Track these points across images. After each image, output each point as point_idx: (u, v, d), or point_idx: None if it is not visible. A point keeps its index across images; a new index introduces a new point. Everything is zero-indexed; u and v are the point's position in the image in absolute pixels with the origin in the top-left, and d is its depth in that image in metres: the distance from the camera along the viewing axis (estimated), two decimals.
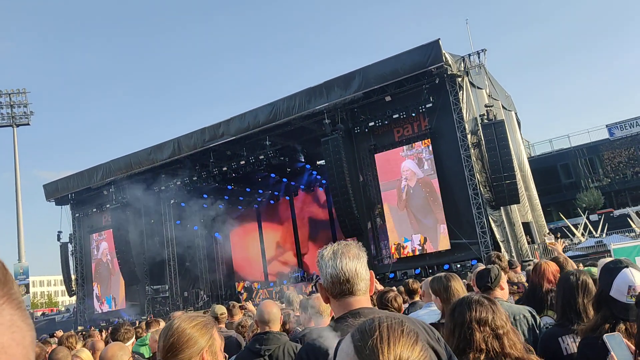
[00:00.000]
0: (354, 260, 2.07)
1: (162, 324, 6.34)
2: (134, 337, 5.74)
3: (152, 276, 32.70)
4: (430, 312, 4.44)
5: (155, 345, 4.73)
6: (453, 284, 3.94)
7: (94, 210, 33.88)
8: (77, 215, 35.07)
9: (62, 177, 34.70)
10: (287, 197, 37.92)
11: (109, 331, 6.21)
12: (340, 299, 2.08)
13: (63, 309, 61.38)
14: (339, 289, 2.06)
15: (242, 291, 34.85)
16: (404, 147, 24.75)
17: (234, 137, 27.06)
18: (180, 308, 29.33)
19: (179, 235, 34.21)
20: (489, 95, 26.32)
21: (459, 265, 22.05)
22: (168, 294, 32.82)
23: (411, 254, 24.22)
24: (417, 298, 5.97)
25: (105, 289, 33.65)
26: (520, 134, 33.07)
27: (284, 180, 35.12)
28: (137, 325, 9.89)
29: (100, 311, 33.40)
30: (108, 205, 32.30)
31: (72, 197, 34.40)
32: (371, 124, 24.81)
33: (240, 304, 9.38)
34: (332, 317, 2.26)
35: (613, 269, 2.89)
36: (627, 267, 2.85)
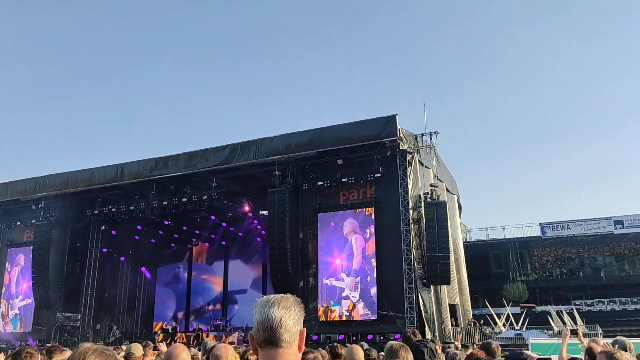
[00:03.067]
0: (282, 310, 2.05)
1: (67, 353, 5.96)
2: None
3: (65, 302, 30.86)
4: None
5: None
6: (404, 354, 3.89)
7: (18, 223, 32.00)
8: None
9: None
10: (224, 242, 37.24)
11: (9, 354, 5.76)
12: (265, 349, 2.06)
13: None
14: (263, 336, 2.04)
15: (159, 332, 33.36)
16: (348, 211, 25.04)
17: (180, 173, 26.65)
18: (90, 340, 27.64)
19: (103, 263, 32.76)
20: (435, 176, 27.29)
21: (382, 337, 21.98)
22: (79, 323, 30.95)
23: (337, 319, 24.03)
24: None
25: (13, 308, 31.40)
26: (460, 218, 34.17)
27: (223, 224, 34.62)
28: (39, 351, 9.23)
29: (3, 331, 31.00)
30: (34, 221, 30.61)
31: None
32: (320, 183, 25.07)
33: (154, 345, 8.97)
34: None
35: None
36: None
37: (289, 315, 2.06)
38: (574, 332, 7.41)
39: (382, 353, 5.67)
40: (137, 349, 6.73)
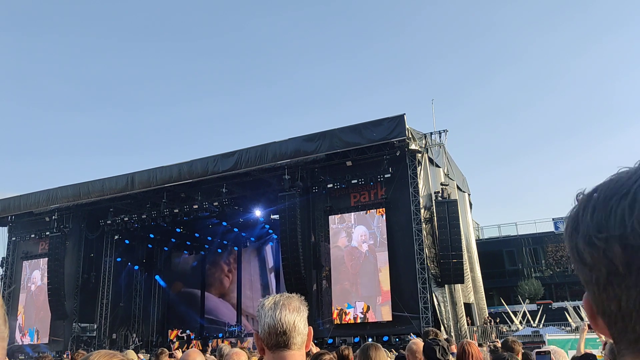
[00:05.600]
0: (293, 313, 2.06)
1: None
2: None
3: (81, 313, 31.08)
4: None
5: None
6: (372, 353, 3.92)
7: (32, 236, 32.30)
8: (13, 239, 33.36)
9: (4, 198, 33.24)
10: (236, 248, 37.33)
11: None
12: (274, 352, 2.05)
13: None
14: (274, 340, 2.03)
15: (175, 340, 33.46)
16: (359, 212, 25.00)
17: (191, 180, 26.78)
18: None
19: (117, 273, 33.00)
20: (446, 175, 27.17)
21: (397, 339, 21.90)
22: (95, 333, 31.15)
23: (352, 322, 23.97)
24: None
25: (30, 321, 31.66)
26: (471, 216, 33.99)
27: (235, 230, 34.70)
28: None
29: (21, 343, 31.26)
30: (48, 233, 30.88)
31: (12, 220, 32.85)
32: (330, 185, 25.07)
33: (170, 352, 9.00)
34: None
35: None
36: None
37: (300, 318, 2.08)
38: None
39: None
40: (131, 355, 6.76)
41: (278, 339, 2.03)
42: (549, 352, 2.51)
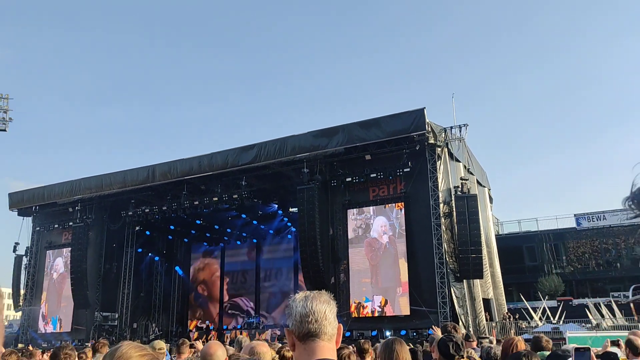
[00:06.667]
0: (324, 304, 2.11)
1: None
2: None
3: (103, 302, 31.62)
4: None
5: None
6: (397, 348, 3.94)
7: (56, 226, 32.95)
8: (37, 229, 34.05)
9: (29, 188, 33.93)
10: (255, 240, 37.57)
11: (50, 353, 5.96)
12: (305, 342, 2.08)
13: (6, 323, 58.47)
14: (306, 328, 2.07)
15: (194, 330, 33.89)
16: (378, 207, 24.95)
17: (211, 173, 26.99)
18: (127, 339, 28.22)
19: (138, 263, 33.48)
20: (467, 170, 26.95)
21: (415, 333, 21.88)
22: (117, 322, 31.69)
23: (370, 315, 24.00)
24: (367, 359, 5.92)
25: (53, 309, 32.32)
26: (491, 211, 33.70)
27: (254, 222, 34.91)
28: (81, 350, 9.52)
29: (44, 331, 31.97)
30: (71, 223, 31.46)
31: (36, 210, 33.54)
32: (348, 179, 25.05)
33: (190, 342, 9.13)
34: None
35: (561, 356, 2.95)
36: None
37: (330, 309, 2.11)
38: (615, 344, 7.12)
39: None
40: (159, 344, 6.87)
41: (310, 327, 2.06)
42: (588, 349, 2.50)
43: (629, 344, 5.35)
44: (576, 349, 2.47)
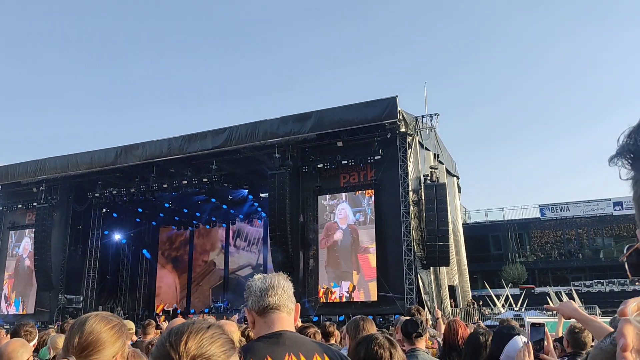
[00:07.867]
0: (282, 280, 2.22)
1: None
2: (36, 339, 5.44)
3: (68, 284, 31.07)
4: None
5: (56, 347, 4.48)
6: (365, 324, 4.03)
7: (20, 206, 32.07)
8: (0, 208, 33.14)
9: None
10: (224, 225, 37.40)
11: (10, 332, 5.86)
12: (265, 315, 2.13)
13: None
14: (266, 301, 2.13)
15: (161, 314, 33.64)
16: (348, 193, 25.07)
17: (181, 156, 26.66)
18: None
19: (104, 246, 32.98)
20: (437, 159, 27.29)
21: (381, 319, 22.18)
22: (82, 305, 31.20)
23: (338, 300, 24.22)
24: (332, 341, 6.04)
25: (16, 291, 31.64)
26: (460, 200, 34.25)
27: (224, 207, 34.72)
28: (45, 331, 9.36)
29: (6, 312, 31.25)
30: (35, 204, 30.67)
31: None
32: (320, 165, 25.08)
33: (156, 323, 9.08)
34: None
35: (506, 335, 3.02)
36: (518, 334, 2.98)
37: (288, 285, 2.22)
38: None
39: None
40: (129, 324, 6.81)
41: (269, 300, 2.13)
42: (543, 324, 2.57)
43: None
44: (532, 324, 2.54)
